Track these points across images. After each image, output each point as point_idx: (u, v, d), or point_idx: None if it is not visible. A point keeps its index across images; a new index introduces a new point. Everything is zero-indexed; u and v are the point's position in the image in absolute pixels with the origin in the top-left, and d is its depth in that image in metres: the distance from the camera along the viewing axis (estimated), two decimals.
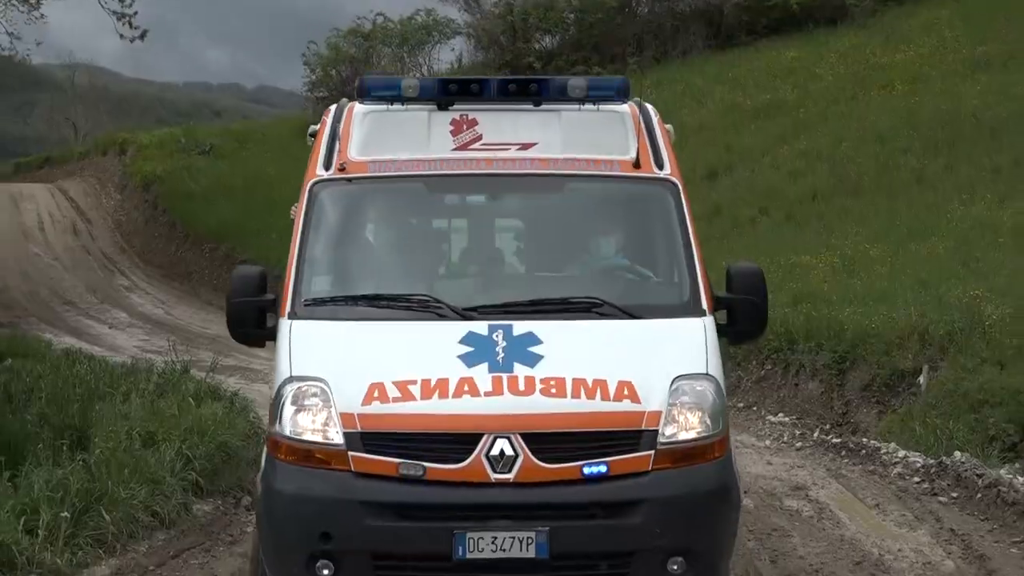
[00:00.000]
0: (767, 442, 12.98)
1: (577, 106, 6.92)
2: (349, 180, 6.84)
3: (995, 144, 21.64)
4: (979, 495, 9.68)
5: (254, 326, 6.57)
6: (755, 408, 14.69)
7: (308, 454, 5.83)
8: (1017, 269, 14.62)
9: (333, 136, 6.93)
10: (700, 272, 6.55)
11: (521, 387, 5.81)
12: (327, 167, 6.87)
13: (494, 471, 5.67)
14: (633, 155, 6.82)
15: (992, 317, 12.54)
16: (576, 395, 5.82)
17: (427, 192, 7.13)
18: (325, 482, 5.76)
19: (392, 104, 6.95)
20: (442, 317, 6.28)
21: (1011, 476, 9.70)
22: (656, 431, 5.80)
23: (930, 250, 16.87)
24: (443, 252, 7.50)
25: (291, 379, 6.00)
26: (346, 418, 5.78)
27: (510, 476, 5.67)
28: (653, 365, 6.01)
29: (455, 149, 6.88)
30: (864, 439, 12.26)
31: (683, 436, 5.86)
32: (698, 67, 35.99)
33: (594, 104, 6.92)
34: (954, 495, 9.92)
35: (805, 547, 8.71)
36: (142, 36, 27.01)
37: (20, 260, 32.44)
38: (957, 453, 10.50)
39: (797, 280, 16.81)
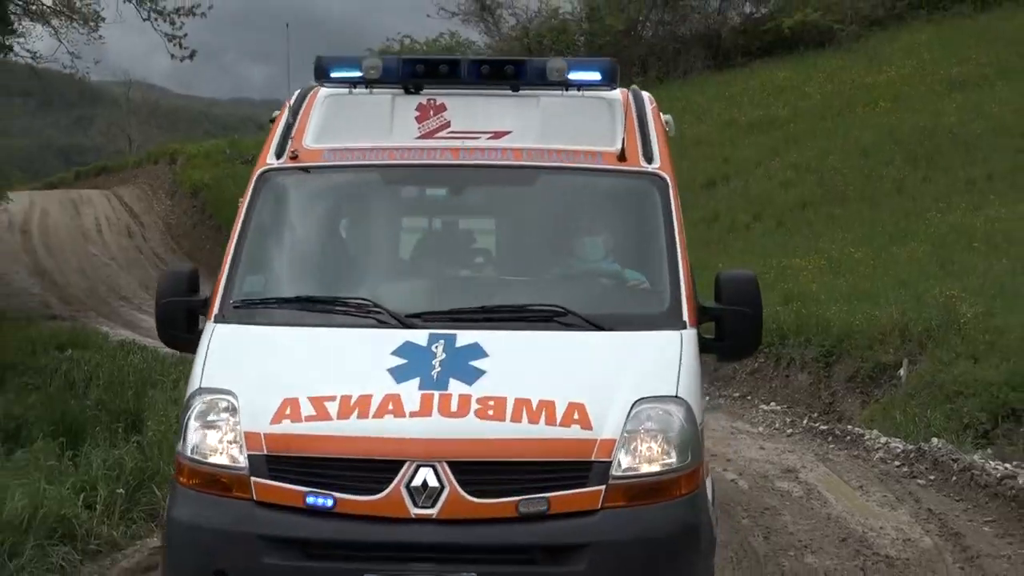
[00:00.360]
0: (760, 429, 12.94)
1: (560, 92, 5.68)
2: (304, 169, 5.63)
3: (969, 157, 21.68)
4: (955, 478, 9.63)
5: (184, 329, 5.30)
6: (749, 397, 14.65)
7: (211, 478, 4.64)
8: (989, 271, 14.63)
9: (290, 122, 5.72)
10: (684, 279, 5.22)
11: (453, 407, 4.51)
12: (279, 155, 5.63)
13: (415, 505, 4.40)
14: (618, 146, 5.54)
15: (967, 315, 12.51)
16: (516, 418, 4.49)
17: (383, 184, 5.89)
18: (223, 512, 4.56)
19: (355, 87, 5.74)
20: (382, 324, 4.97)
21: (984, 461, 9.64)
22: (609, 462, 4.47)
23: (910, 253, 16.86)
24: (394, 251, 6.09)
25: (200, 391, 4.82)
26: (251, 438, 4.55)
27: (433, 512, 4.39)
28: (613, 385, 4.70)
29: (419, 137, 5.62)
30: (849, 426, 12.21)
31: (643, 469, 4.55)
32: (698, 86, 36.01)
33: (579, 89, 5.68)
34: (932, 478, 9.87)
35: (795, 524, 8.66)
36: (191, 56, 27.16)
37: (80, 259, 32.57)
38: (934, 439, 10.45)
39: (788, 281, 16.79)
